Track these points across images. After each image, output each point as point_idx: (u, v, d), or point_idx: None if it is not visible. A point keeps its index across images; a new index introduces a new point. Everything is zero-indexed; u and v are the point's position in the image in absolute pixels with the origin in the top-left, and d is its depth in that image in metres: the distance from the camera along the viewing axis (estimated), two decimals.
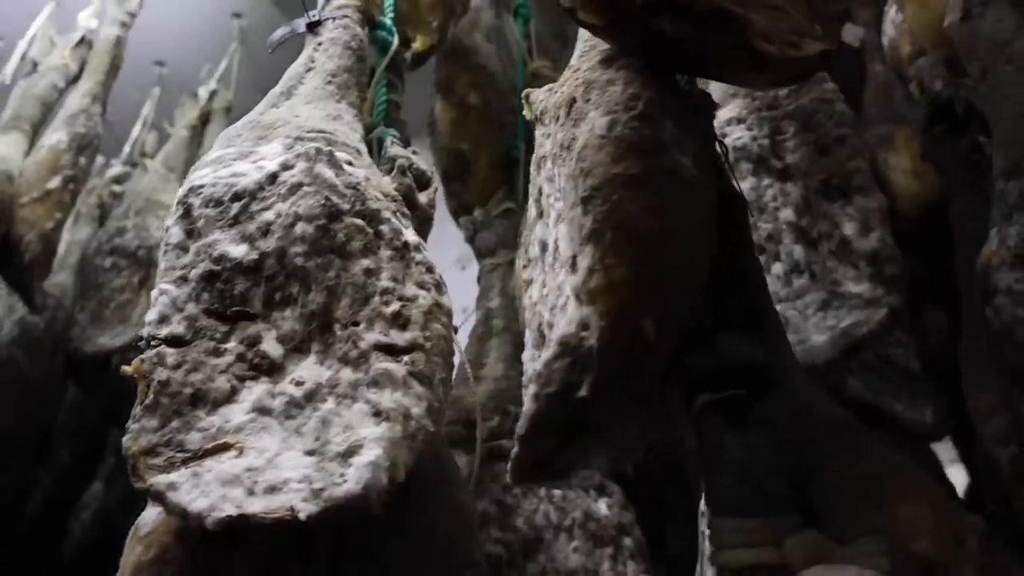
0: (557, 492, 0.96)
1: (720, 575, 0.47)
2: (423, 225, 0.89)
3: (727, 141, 1.01)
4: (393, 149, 0.93)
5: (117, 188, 1.96)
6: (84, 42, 1.70)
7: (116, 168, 2.01)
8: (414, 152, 0.95)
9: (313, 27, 1.00)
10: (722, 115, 1.03)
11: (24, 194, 1.44)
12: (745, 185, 0.98)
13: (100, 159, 2.05)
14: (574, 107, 0.62)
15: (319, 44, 0.97)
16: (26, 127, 1.53)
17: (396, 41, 1.06)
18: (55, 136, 1.50)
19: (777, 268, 0.92)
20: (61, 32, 1.86)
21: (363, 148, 0.86)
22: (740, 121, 1.01)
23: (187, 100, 2.02)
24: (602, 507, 0.96)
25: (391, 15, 1.09)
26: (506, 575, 0.88)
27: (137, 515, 0.68)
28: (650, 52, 0.63)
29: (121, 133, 2.10)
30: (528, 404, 0.52)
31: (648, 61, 0.63)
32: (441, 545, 0.67)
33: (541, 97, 0.71)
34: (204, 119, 1.96)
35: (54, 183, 1.45)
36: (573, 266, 0.52)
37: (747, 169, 0.99)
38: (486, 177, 1.29)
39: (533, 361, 0.58)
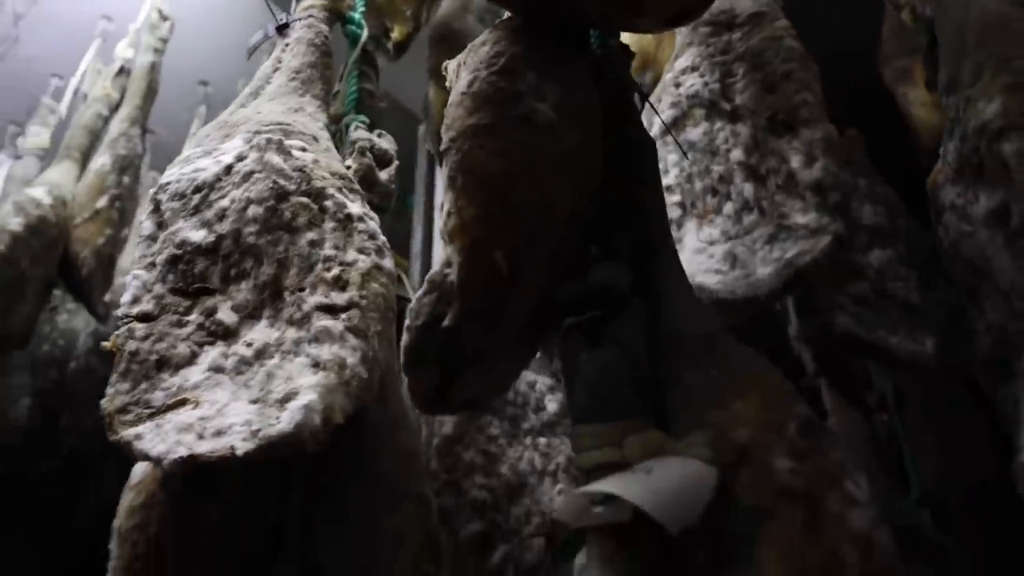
0: (542, 440, 1.03)
1: (578, 476, 0.53)
2: (384, 199, 0.98)
3: (681, 90, 1.05)
4: (355, 133, 1.02)
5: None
6: (123, 71, 1.88)
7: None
8: (379, 135, 1.03)
9: (282, 29, 1.10)
10: (678, 65, 1.07)
11: (77, 215, 1.61)
12: (698, 131, 1.02)
13: (155, 176, 2.24)
14: (459, 72, 0.69)
15: (286, 45, 1.07)
16: (76, 155, 1.71)
17: (365, 34, 1.15)
18: (100, 160, 1.67)
19: (728, 208, 0.96)
20: (109, 64, 2.05)
21: (322, 135, 0.95)
22: (694, 69, 1.05)
23: None
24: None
25: (361, 9, 1.17)
26: (490, 517, 0.96)
27: None
28: (539, 14, 0.69)
29: (173, 152, 2.28)
30: (404, 337, 0.60)
31: (535, 21, 0.69)
32: (388, 481, 0.76)
33: (452, 67, 0.78)
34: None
35: (102, 203, 1.62)
36: (441, 210, 0.59)
37: (700, 115, 1.02)
38: None
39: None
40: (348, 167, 0.98)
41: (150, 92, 1.83)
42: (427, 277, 0.59)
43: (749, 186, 0.96)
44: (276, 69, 1.04)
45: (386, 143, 1.02)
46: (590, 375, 0.55)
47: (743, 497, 0.45)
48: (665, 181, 1.00)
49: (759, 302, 0.88)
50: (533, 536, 0.96)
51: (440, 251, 0.60)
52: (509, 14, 0.78)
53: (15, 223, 1.50)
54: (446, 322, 0.56)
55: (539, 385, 1.06)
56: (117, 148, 1.69)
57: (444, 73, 1.46)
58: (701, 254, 0.94)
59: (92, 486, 2.26)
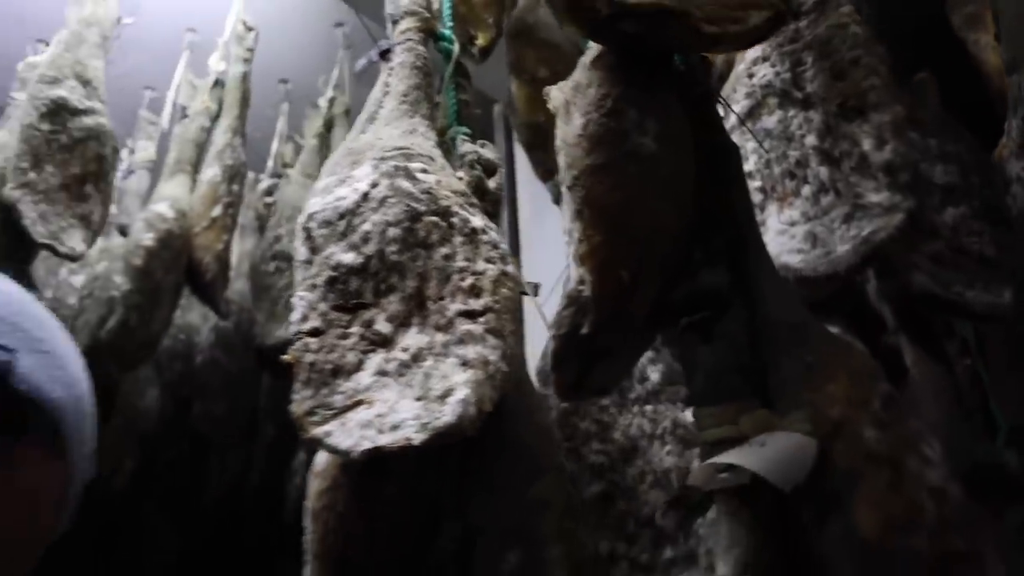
0: (648, 407, 1.17)
1: (702, 450, 0.67)
2: (495, 206, 1.12)
3: (754, 80, 1.15)
4: (463, 147, 1.16)
5: (268, 199, 2.33)
6: (218, 83, 2.05)
7: (265, 182, 2.38)
8: (482, 145, 1.17)
9: (384, 54, 1.24)
10: (749, 55, 1.18)
11: (196, 224, 1.80)
12: (773, 118, 1.12)
13: (250, 174, 2.42)
14: (568, 108, 0.82)
15: (391, 69, 1.21)
16: (188, 168, 1.89)
17: (456, 48, 1.28)
18: (209, 172, 1.86)
19: (806, 190, 1.07)
20: (198, 75, 2.23)
21: (436, 153, 1.09)
22: (765, 59, 1.15)
23: (311, 111, 2.34)
24: (688, 415, 1.16)
25: (450, 25, 1.30)
26: (608, 478, 1.11)
27: None
28: (627, 47, 0.81)
29: (263, 149, 2.47)
30: (550, 344, 0.74)
31: (625, 55, 0.82)
32: (531, 455, 0.91)
33: (555, 95, 0.91)
34: (328, 125, 2.27)
35: (217, 211, 1.80)
36: (570, 236, 0.73)
37: (774, 103, 1.13)
38: None
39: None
40: (460, 178, 1.12)
41: (244, 101, 2.01)
42: (565, 293, 0.73)
43: (824, 169, 1.07)
44: (385, 93, 1.18)
45: (489, 152, 1.15)
46: (706, 366, 0.69)
47: (839, 462, 0.59)
48: (746, 167, 1.12)
49: (839, 278, 1.00)
50: (648, 492, 1.11)
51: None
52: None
53: (148, 239, 1.70)
54: (584, 330, 0.70)
55: (642, 357, 1.20)
56: (224, 159, 1.87)
57: (524, 66, 1.57)
58: (783, 235, 1.05)
59: (217, 468, 2.52)
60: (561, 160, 0.80)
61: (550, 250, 1.53)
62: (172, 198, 1.80)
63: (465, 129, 1.21)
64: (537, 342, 1.12)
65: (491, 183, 1.11)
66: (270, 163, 2.43)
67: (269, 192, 2.35)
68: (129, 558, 2.59)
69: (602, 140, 0.74)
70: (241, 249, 2.28)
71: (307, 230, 1.01)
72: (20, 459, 0.56)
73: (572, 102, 0.80)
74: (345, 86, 2.34)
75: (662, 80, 0.83)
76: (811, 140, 1.08)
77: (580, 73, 0.84)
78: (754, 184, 1.11)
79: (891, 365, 1.11)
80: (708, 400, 0.68)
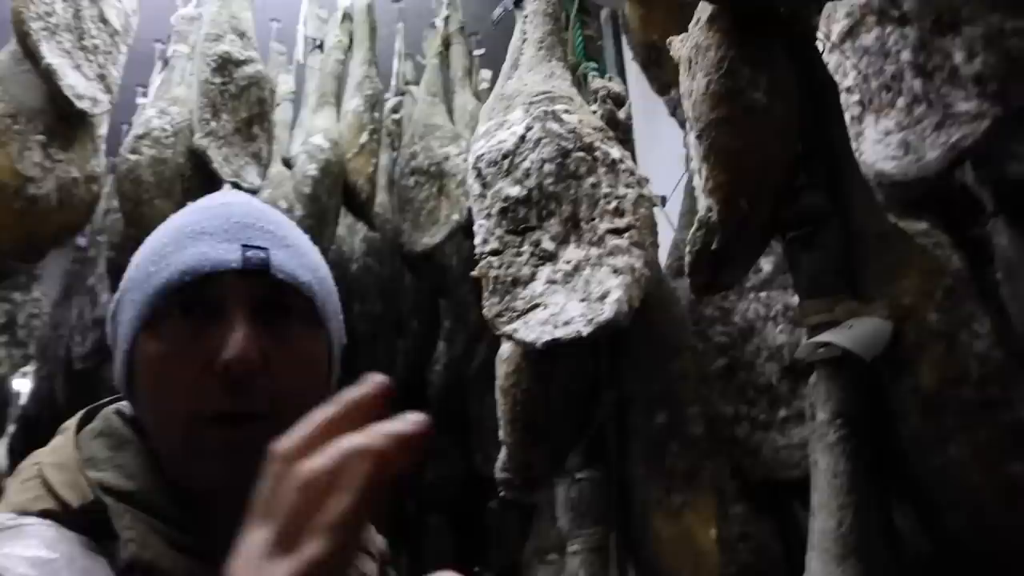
0: (762, 294, 1.43)
1: (806, 332, 0.93)
2: (626, 133, 1.37)
3: (854, 0, 1.34)
4: (594, 83, 1.39)
5: (396, 116, 2.60)
6: (347, 17, 2.30)
7: (391, 100, 2.65)
8: (609, 79, 1.41)
9: (519, 2, 1.47)
10: None
11: (347, 152, 2.11)
12: (871, 36, 1.31)
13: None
14: (691, 65, 1.05)
15: (525, 17, 1.44)
16: (331, 100, 2.18)
17: None
18: (352, 102, 2.14)
19: (900, 102, 1.26)
20: (323, 7, 2.48)
21: (574, 93, 1.34)
22: None
23: (428, 31, 2.56)
24: (796, 298, 1.41)
25: None
26: (730, 354, 1.38)
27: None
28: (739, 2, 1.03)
29: (385, 70, 2.72)
30: (687, 257, 1.01)
31: (738, 13, 1.03)
32: (669, 338, 1.20)
33: (677, 46, 1.14)
34: (446, 43, 2.49)
35: (363, 138, 2.10)
36: (699, 173, 0.98)
37: (872, 22, 1.31)
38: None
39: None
40: (594, 112, 1.36)
41: (373, 32, 2.26)
42: (697, 219, 0.98)
43: (918, 82, 1.25)
44: (524, 41, 1.42)
45: (617, 86, 1.39)
46: (808, 269, 0.94)
47: (908, 338, 0.84)
48: (845, 83, 1.31)
49: (929, 181, 1.20)
50: (764, 365, 1.37)
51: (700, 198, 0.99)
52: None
53: (312, 169, 2.01)
54: (714, 247, 0.96)
55: None
56: (364, 89, 2.15)
57: None
58: (879, 144, 1.26)
59: (367, 360, 2.92)
60: (687, 110, 1.04)
61: (665, 155, 1.75)
62: (324, 130, 2.10)
63: (594, 65, 1.44)
64: (664, 244, 1.37)
65: (621, 114, 1.35)
66: (393, 82, 2.69)
67: (395, 110, 2.61)
68: None
69: (722, 98, 0.96)
70: (380, 155, 2.58)
71: (477, 169, 1.29)
72: (299, 330, 0.67)
73: (694, 60, 1.03)
74: (457, 3, 2.54)
75: (770, 32, 1.04)
76: (906, 55, 1.26)
77: (699, 33, 1.06)
78: (852, 98, 1.31)
79: (977, 253, 1.31)
80: (810, 295, 0.93)
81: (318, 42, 2.43)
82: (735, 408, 1.35)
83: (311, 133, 2.12)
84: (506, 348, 1.26)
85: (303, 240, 0.73)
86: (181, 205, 1.80)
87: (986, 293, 1.13)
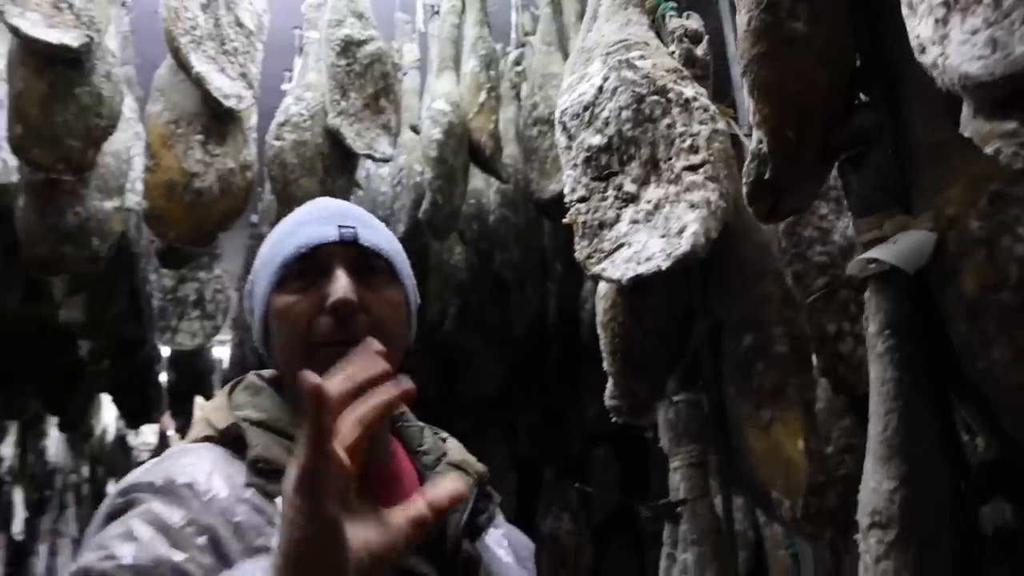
0: None
1: (857, 249, 0.98)
2: (705, 69, 1.42)
3: None
4: (671, 23, 1.45)
5: (518, 68, 2.72)
6: None
7: (512, 52, 2.76)
8: (687, 16, 1.46)
9: None
10: None
11: (468, 112, 2.25)
12: None
13: (496, 46, 2.80)
14: (738, 4, 1.10)
15: None
16: (450, 64, 2.33)
17: None
18: (469, 64, 2.28)
19: None
20: None
21: (650, 37, 1.40)
22: None
23: None
24: None
25: None
26: (831, 272, 1.42)
27: None
28: None
29: (501, 21, 2.83)
30: (744, 188, 1.07)
31: None
32: (753, 263, 1.27)
33: None
34: None
35: (482, 97, 2.23)
36: (749, 108, 1.04)
37: None
38: None
39: None
40: (672, 52, 1.43)
41: None
42: (751, 152, 1.05)
43: None
44: None
45: (694, 23, 1.44)
46: (860, 188, 0.98)
47: (951, 247, 0.88)
48: None
49: (1017, 77, 1.19)
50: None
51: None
52: None
53: (436, 133, 2.18)
54: (766, 175, 1.02)
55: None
56: (478, 50, 2.28)
57: None
58: (965, 44, 1.24)
59: (519, 303, 3.10)
60: (738, 49, 1.09)
61: None
62: (446, 94, 2.25)
63: (672, 4, 1.49)
64: None
65: (698, 51, 1.41)
66: (513, 34, 2.80)
67: (518, 61, 2.73)
68: (465, 382, 3.32)
69: (762, 33, 1.01)
70: (504, 116, 2.72)
71: (562, 123, 1.39)
72: (384, 282, 0.89)
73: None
74: None
75: None
76: None
77: None
78: (937, 0, 1.29)
79: None
80: (861, 213, 0.98)
81: (436, 8, 2.58)
82: (838, 325, 1.40)
83: (434, 98, 2.28)
84: (603, 286, 1.38)
85: (382, 226, 0.97)
86: (323, 181, 2.02)
87: None
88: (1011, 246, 0.86)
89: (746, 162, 1.07)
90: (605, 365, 1.37)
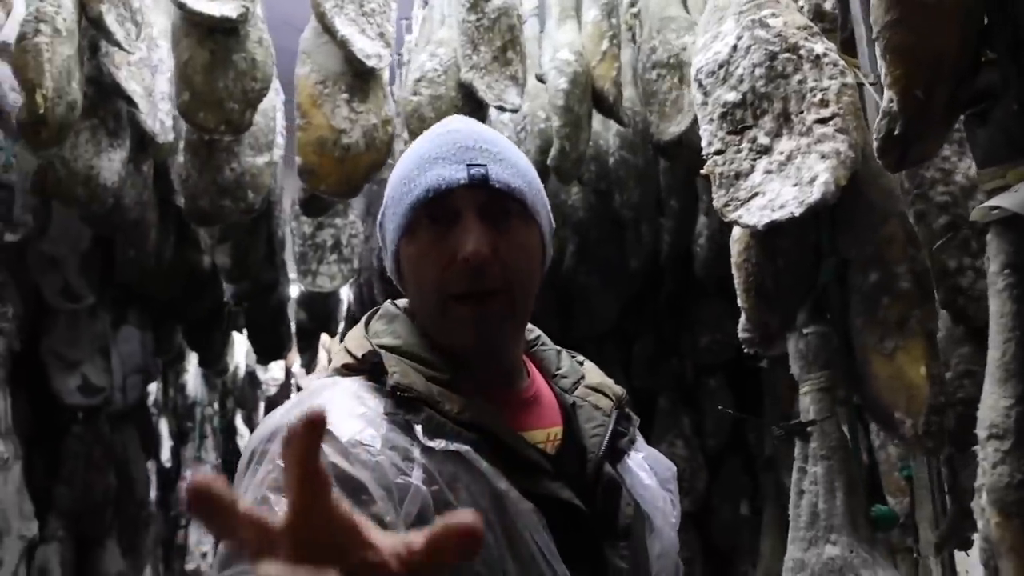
0: None
1: (982, 196, 1.13)
2: (833, 23, 1.55)
3: None
4: None
5: (634, 10, 2.84)
6: None
7: None
8: None
9: None
10: None
11: (591, 60, 2.41)
12: None
13: None
14: None
15: None
16: (572, 13, 2.48)
17: None
18: (590, 13, 2.43)
19: None
20: None
21: None
22: None
23: None
24: None
25: None
26: (952, 211, 1.55)
27: (729, 231, 1.57)
28: None
29: None
30: (875, 142, 1.22)
31: None
32: (878, 206, 1.42)
33: None
34: None
35: (604, 45, 2.38)
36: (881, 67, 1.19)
37: None
38: None
39: None
40: (801, 8, 1.56)
41: None
42: (882, 110, 1.19)
43: None
44: None
45: None
46: (984, 142, 1.12)
47: None
48: None
49: None
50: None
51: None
52: None
53: (562, 83, 2.35)
54: (896, 131, 1.17)
55: None
56: (599, 0, 2.43)
57: None
58: None
59: (634, 240, 3.27)
60: (872, 14, 1.23)
61: None
62: (569, 43, 2.41)
63: None
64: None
65: (827, 5, 1.53)
66: None
67: (633, 3, 2.85)
68: (581, 317, 3.52)
69: (895, 2, 1.15)
70: (622, 59, 2.85)
71: (698, 81, 1.55)
72: (517, 225, 0.89)
73: None
74: None
75: None
76: None
77: None
78: None
79: None
80: (984, 164, 1.12)
81: None
82: (959, 261, 1.53)
83: (557, 48, 2.44)
84: (736, 230, 1.55)
85: (514, 153, 0.95)
86: None
87: None
88: None
89: (876, 119, 1.22)
90: (739, 301, 1.55)
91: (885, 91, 1.20)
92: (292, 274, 4.03)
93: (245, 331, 4.36)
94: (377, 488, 0.78)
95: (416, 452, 0.82)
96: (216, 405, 5.79)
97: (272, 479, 0.77)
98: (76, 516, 3.31)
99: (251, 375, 6.00)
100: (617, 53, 2.43)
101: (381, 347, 0.90)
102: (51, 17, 2.03)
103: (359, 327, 0.95)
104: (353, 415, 0.83)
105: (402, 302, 0.97)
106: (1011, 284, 1.06)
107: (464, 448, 0.84)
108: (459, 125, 0.97)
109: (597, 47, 2.41)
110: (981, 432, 1.06)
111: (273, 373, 6.33)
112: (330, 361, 0.99)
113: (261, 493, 0.77)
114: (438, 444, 0.83)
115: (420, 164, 0.92)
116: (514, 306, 0.91)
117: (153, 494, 4.67)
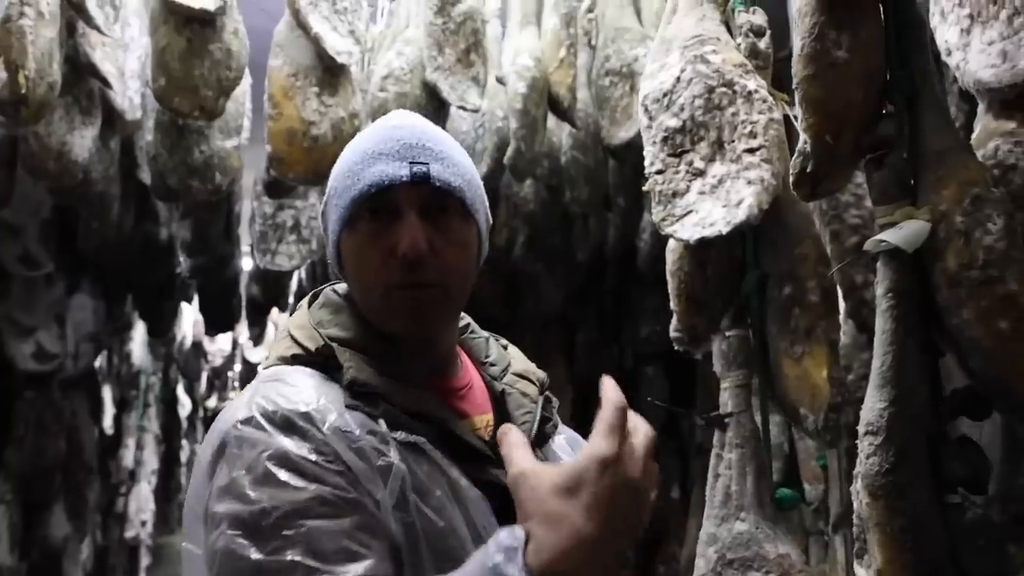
0: None
1: (875, 230, 1.36)
2: (766, 61, 1.77)
3: None
4: (739, 18, 1.79)
5: (591, 16, 3.03)
6: None
7: (585, 1, 3.07)
8: (753, 12, 1.79)
9: None
10: None
11: (549, 65, 2.60)
12: None
13: None
14: (795, 27, 1.45)
15: None
16: (533, 20, 2.67)
17: None
18: (551, 21, 2.62)
19: (1003, 14, 1.56)
20: None
21: (721, 31, 1.74)
22: None
23: None
24: None
25: None
26: (862, 233, 1.78)
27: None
28: None
29: None
30: (791, 179, 1.44)
31: None
32: (795, 229, 1.64)
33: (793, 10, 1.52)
34: None
35: (562, 53, 2.58)
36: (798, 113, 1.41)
37: None
38: None
39: None
40: (738, 45, 1.77)
41: None
42: (797, 150, 1.41)
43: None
44: None
45: (759, 18, 1.78)
46: (879, 183, 1.34)
47: (939, 235, 1.24)
48: None
49: (1018, 85, 1.52)
50: None
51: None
52: None
53: (521, 87, 2.54)
54: (808, 169, 1.39)
55: None
56: (559, 8, 2.61)
57: None
58: (982, 54, 1.57)
59: (582, 234, 3.47)
60: (793, 65, 1.44)
61: None
62: (529, 49, 2.60)
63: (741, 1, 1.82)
64: None
65: (761, 44, 1.75)
66: None
67: (590, 9, 3.04)
68: (529, 304, 3.74)
69: (811, 59, 1.35)
70: (577, 62, 3.05)
71: (644, 106, 1.76)
72: (454, 222, 0.95)
73: (796, 24, 1.42)
74: None
75: None
76: None
77: (800, 0, 1.44)
78: (963, 12, 1.62)
79: None
80: (878, 202, 1.34)
81: None
82: (865, 277, 1.77)
83: (518, 52, 2.63)
84: (672, 242, 1.76)
85: (456, 152, 1.00)
86: None
87: None
88: (981, 237, 1.23)
89: (792, 157, 1.44)
90: (672, 304, 1.77)
91: (800, 134, 1.42)
92: (245, 247, 4.17)
93: (195, 302, 4.48)
94: (366, 469, 0.84)
95: (388, 437, 0.89)
96: (160, 374, 5.88)
97: (267, 455, 0.82)
98: (25, 479, 3.43)
99: (197, 345, 6.10)
100: (574, 61, 2.63)
101: (332, 339, 0.95)
102: (35, 1, 2.15)
103: (303, 313, 1.00)
104: (324, 400, 0.88)
105: (342, 288, 1.03)
106: (892, 306, 1.29)
107: (421, 439, 0.91)
108: (404, 122, 1.01)
109: (555, 54, 2.61)
110: (860, 429, 1.29)
111: (220, 344, 6.44)
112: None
113: (264, 468, 0.82)
114: (399, 435, 0.90)
115: (364, 159, 0.96)
116: (449, 298, 0.97)
117: (96, 461, 4.77)
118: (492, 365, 1.06)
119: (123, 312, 4.28)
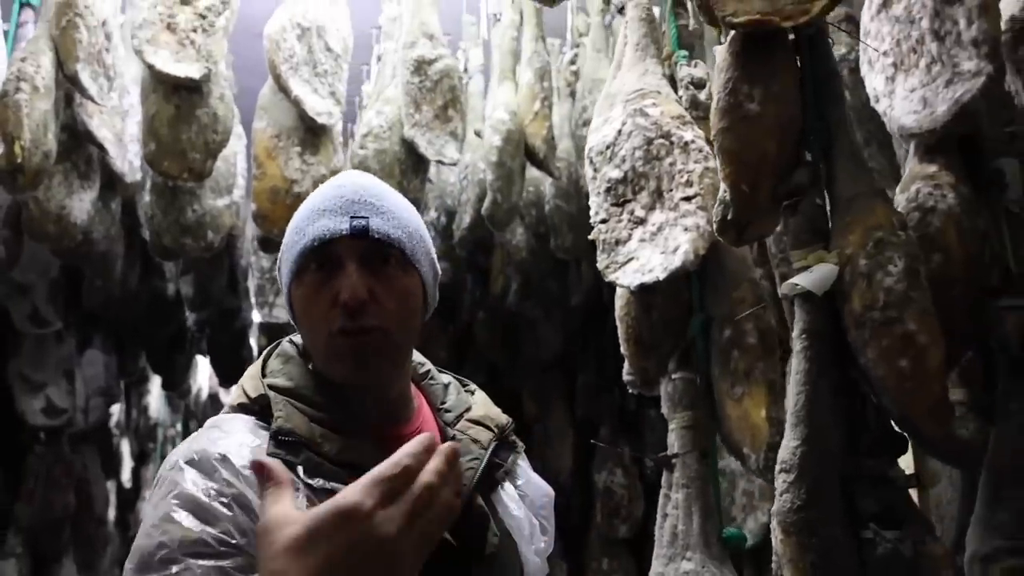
0: None
1: (791, 273, 1.43)
2: (706, 111, 1.85)
3: None
4: (681, 71, 1.88)
5: (573, 68, 3.15)
6: None
7: (568, 53, 3.19)
8: (695, 65, 1.89)
9: (621, 10, 1.96)
10: None
11: (524, 118, 2.71)
12: (900, 6, 1.68)
13: (555, 42, 3.23)
14: (714, 81, 1.53)
15: (626, 22, 1.94)
16: (509, 74, 2.78)
17: None
18: (525, 75, 2.73)
19: (922, 63, 1.63)
20: None
21: (662, 85, 1.84)
22: None
23: None
24: None
25: None
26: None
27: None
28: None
29: (559, 23, 3.25)
30: (715, 228, 1.52)
31: (747, 39, 1.50)
32: (731, 272, 1.71)
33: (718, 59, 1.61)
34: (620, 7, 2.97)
35: (537, 106, 2.69)
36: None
37: None
38: None
39: None
40: (679, 98, 1.86)
41: (538, 9, 2.80)
42: (718, 198, 1.49)
43: (935, 45, 1.61)
44: (625, 44, 1.93)
45: (700, 71, 1.87)
46: (794, 228, 1.41)
47: (846, 277, 1.31)
48: (883, 47, 1.70)
49: (937, 132, 1.59)
50: None
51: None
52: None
53: (496, 140, 2.65)
54: (729, 216, 1.46)
55: None
56: (534, 64, 2.73)
57: None
58: (906, 100, 1.65)
59: (576, 279, 3.54)
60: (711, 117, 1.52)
61: None
62: (505, 103, 2.71)
63: (684, 53, 1.91)
64: None
65: (701, 95, 1.84)
66: (568, 36, 3.22)
67: (572, 61, 3.16)
68: (528, 349, 3.80)
69: (725, 112, 1.43)
70: (560, 112, 3.16)
71: (589, 158, 1.85)
72: (395, 271, 0.99)
73: (716, 77, 1.51)
74: None
75: (774, 49, 1.49)
76: (925, 22, 1.63)
77: (720, 55, 1.53)
78: (887, 61, 1.69)
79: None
80: (793, 247, 1.41)
81: (498, 16, 3.02)
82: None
83: (495, 107, 2.74)
84: (619, 289, 1.84)
85: (399, 205, 1.05)
86: (400, 182, 2.54)
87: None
88: (882, 279, 1.29)
89: (713, 207, 1.51)
90: (621, 348, 1.84)
91: (720, 183, 1.50)
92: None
93: (208, 355, 4.61)
94: None
95: (300, 484, 0.93)
96: (179, 426, 6.01)
97: (173, 495, 0.89)
98: (34, 533, 3.54)
99: (213, 397, 6.23)
100: (548, 113, 2.74)
101: (273, 387, 1.00)
102: (31, 76, 2.30)
103: (257, 364, 1.06)
104: (245, 447, 0.94)
105: (299, 338, 1.07)
106: (805, 347, 1.35)
107: (340, 487, 0.89)
108: (347, 180, 1.06)
109: (530, 107, 2.71)
110: (776, 467, 1.34)
111: None
112: None
113: (168, 508, 0.89)
114: (317, 483, 0.94)
115: (310, 216, 1.02)
116: (391, 343, 1.01)
117: (112, 514, 4.89)
118: (447, 411, 1.10)
119: (136, 366, 4.41)
